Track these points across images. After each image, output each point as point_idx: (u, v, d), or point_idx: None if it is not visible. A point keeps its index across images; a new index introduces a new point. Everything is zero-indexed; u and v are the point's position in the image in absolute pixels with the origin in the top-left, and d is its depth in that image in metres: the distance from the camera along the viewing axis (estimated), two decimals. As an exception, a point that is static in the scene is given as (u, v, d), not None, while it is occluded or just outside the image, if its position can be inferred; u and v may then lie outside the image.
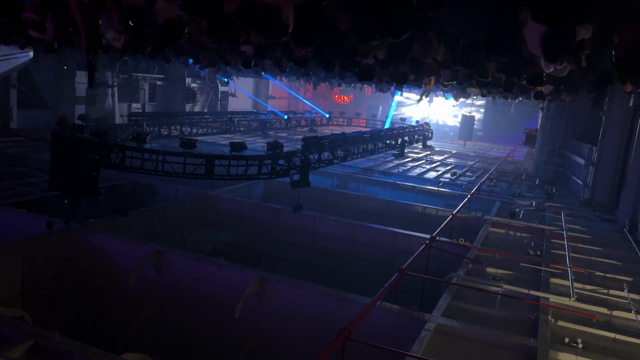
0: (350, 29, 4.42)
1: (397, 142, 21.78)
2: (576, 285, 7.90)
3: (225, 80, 30.49)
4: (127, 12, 5.24)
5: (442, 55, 5.41)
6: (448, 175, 19.89)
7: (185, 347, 9.08)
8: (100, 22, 5.38)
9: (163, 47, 8.48)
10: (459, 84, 10.70)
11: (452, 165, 23.24)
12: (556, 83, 8.63)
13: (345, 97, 43.67)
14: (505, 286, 7.44)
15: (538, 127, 23.21)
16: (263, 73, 22.44)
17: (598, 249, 10.41)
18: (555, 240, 10.55)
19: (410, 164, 21.92)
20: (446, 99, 29.27)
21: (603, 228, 12.62)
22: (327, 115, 36.84)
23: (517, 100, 22.16)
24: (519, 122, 32.36)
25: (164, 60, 12.08)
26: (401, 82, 8.77)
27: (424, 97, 17.44)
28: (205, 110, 30.87)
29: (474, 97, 31.26)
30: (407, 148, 23.72)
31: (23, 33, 7.17)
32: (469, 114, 36.94)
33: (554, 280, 8.30)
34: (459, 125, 37.85)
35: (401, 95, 33.38)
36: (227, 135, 25.23)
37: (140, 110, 26.85)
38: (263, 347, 8.41)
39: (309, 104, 39.23)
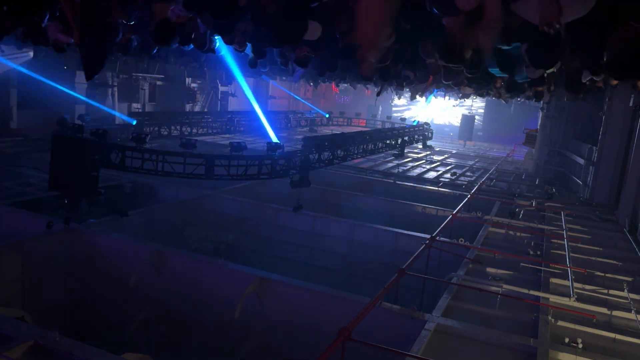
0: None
1: (397, 142, 21.78)
2: (576, 285, 7.90)
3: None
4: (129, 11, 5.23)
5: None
6: (448, 175, 19.88)
7: (185, 347, 9.08)
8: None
9: (157, 46, 8.45)
10: (457, 84, 10.66)
11: (452, 165, 23.23)
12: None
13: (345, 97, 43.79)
14: (505, 286, 7.43)
15: (538, 127, 23.19)
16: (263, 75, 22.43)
17: (598, 249, 10.40)
18: (555, 240, 10.54)
19: (410, 164, 21.92)
20: (448, 99, 29.36)
21: (603, 228, 12.61)
22: (327, 115, 36.76)
23: (519, 100, 22.11)
24: (519, 122, 32.32)
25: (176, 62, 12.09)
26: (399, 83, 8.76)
27: (417, 96, 17.28)
28: (205, 110, 30.80)
29: (474, 98, 31.29)
30: (407, 148, 23.71)
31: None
32: (469, 114, 36.94)
33: (554, 280, 8.29)
34: (459, 125, 37.83)
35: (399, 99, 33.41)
36: (227, 135, 25.23)
37: (140, 110, 26.81)
38: (263, 347, 8.41)
39: (309, 104, 39.13)
